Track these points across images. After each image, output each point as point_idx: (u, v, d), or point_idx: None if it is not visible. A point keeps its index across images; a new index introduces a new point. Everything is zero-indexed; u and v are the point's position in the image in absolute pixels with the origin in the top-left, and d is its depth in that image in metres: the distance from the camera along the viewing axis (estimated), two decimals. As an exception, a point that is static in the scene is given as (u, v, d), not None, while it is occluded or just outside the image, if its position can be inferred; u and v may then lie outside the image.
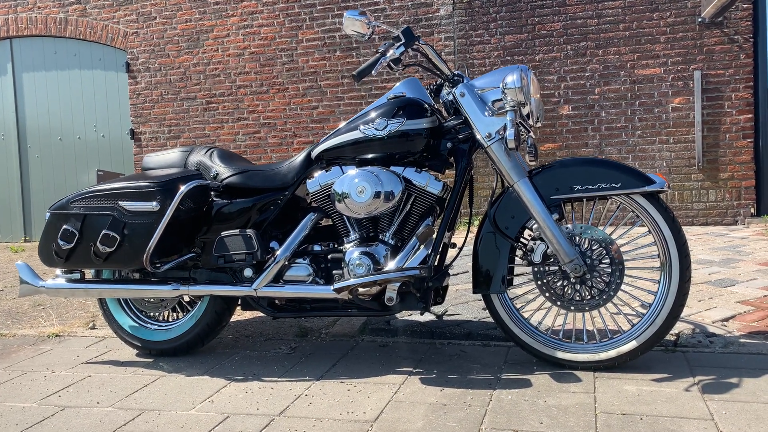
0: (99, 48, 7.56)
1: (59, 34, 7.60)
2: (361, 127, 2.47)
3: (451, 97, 2.47)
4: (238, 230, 2.59)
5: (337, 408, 2.14)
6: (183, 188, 2.55)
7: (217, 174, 2.68)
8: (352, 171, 2.48)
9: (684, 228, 5.79)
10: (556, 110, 6.27)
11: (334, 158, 2.56)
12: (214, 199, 2.68)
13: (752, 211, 5.86)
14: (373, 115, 2.47)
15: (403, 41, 2.39)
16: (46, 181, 7.85)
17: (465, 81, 2.48)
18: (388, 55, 2.38)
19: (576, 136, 6.24)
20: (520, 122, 2.40)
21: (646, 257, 2.43)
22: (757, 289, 3.36)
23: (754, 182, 5.85)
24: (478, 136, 2.39)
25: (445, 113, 2.60)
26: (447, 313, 3.08)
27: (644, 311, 2.37)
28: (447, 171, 2.56)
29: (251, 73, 7.06)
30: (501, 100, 2.36)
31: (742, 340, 2.59)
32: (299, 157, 2.66)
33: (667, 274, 2.29)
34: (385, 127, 2.43)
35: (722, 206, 5.93)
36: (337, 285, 2.42)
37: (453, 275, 3.37)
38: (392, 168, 2.48)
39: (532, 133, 2.51)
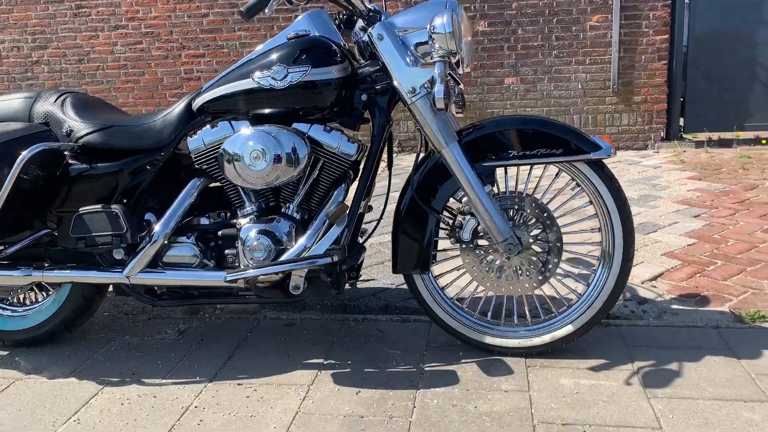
0: (-64, -66, 6.28)
1: None
2: (256, 74, 1.98)
3: (366, 38, 2.01)
4: (100, 206, 2.08)
5: (234, 426, 1.79)
6: (24, 153, 1.99)
7: (71, 130, 2.13)
8: (245, 130, 2.02)
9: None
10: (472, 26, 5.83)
11: (221, 111, 2.08)
12: (70, 162, 2.14)
13: (662, 135, 5.81)
14: (270, 59, 1.99)
15: None
16: None
17: (383, 18, 2.02)
18: None
19: (492, 55, 5.87)
20: (449, 74, 1.99)
21: (586, 231, 2.16)
22: (679, 236, 3.23)
23: (666, 106, 5.77)
24: (400, 91, 1.97)
25: (358, 55, 2.14)
26: (361, 279, 2.74)
27: (581, 291, 2.12)
28: (362, 127, 2.14)
29: (128, -28, 6.11)
30: (427, 44, 1.93)
31: (674, 306, 2.43)
32: (177, 108, 2.14)
33: (608, 252, 2.03)
34: (285, 76, 1.96)
35: (634, 130, 5.84)
36: (230, 276, 2.00)
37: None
38: (295, 126, 2.04)
39: (461, 84, 2.11)
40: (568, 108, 5.86)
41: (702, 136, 5.77)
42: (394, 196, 2.18)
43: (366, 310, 2.53)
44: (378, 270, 2.90)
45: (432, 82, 1.94)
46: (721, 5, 5.64)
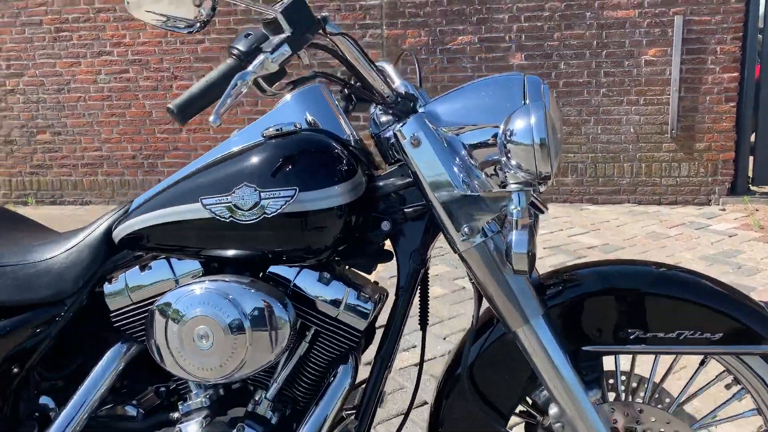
0: None
1: None
2: (209, 199, 1.19)
3: (392, 137, 1.22)
4: None
5: None
6: None
7: None
8: (191, 283, 1.22)
9: (650, 208, 4.85)
10: (506, 58, 5.04)
11: (158, 244, 1.29)
12: None
13: (728, 188, 4.96)
14: (233, 172, 1.20)
15: (288, 34, 1.08)
16: None
17: (420, 105, 1.23)
18: (254, 67, 1.06)
19: (529, 92, 5.06)
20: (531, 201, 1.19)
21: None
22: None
23: (733, 155, 4.93)
24: (447, 231, 1.18)
25: (374, 145, 1.35)
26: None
27: None
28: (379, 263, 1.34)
29: (114, -8, 5.38)
30: (491, 145, 1.15)
31: None
32: (91, 236, 1.35)
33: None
34: (255, 204, 1.18)
35: (695, 182, 5.00)
36: None
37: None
38: (272, 271, 1.26)
39: (546, 210, 1.30)
40: (617, 155, 5.04)
41: (776, 191, 4.93)
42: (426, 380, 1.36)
43: None
44: None
45: (503, 220, 1.14)
46: (801, 39, 4.81)
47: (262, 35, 1.10)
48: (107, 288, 1.32)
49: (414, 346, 2.54)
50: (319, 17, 1.12)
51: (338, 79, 1.20)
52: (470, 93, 1.23)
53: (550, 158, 1.06)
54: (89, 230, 1.36)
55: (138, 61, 5.45)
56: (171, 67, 5.41)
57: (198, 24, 1.07)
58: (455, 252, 1.19)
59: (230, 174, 1.20)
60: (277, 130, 1.22)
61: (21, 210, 5.67)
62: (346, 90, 1.42)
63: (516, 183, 1.09)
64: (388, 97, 1.21)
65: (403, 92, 1.26)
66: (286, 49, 1.06)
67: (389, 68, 1.49)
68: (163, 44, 5.39)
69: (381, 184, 1.29)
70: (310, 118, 1.31)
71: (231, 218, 1.18)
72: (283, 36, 1.06)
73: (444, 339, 2.65)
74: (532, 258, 1.07)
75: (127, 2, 1.04)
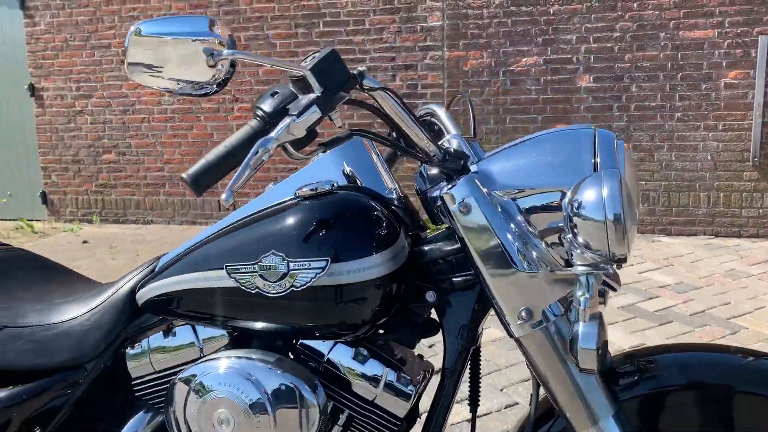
0: (-15, -25, 5.86)
1: (-68, -46, 5.86)
2: (233, 266, 1.08)
3: (439, 198, 1.08)
4: None
5: None
6: None
7: None
8: (214, 357, 1.11)
9: (729, 241, 4.50)
10: (573, 81, 4.82)
11: (182, 310, 1.19)
12: None
13: (817, 221, 4.57)
14: (259, 237, 1.09)
15: (318, 93, 0.95)
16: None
17: (472, 163, 1.09)
18: (277, 133, 0.94)
19: (597, 116, 4.81)
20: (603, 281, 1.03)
21: None
22: None
23: (824, 185, 4.54)
24: (502, 313, 1.03)
25: (423, 204, 1.21)
26: None
27: None
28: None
29: (178, 15, 5.45)
30: (560, 229, 0.99)
31: None
32: (115, 295, 1.26)
33: None
34: (283, 276, 1.05)
35: (780, 214, 4.63)
36: None
37: None
38: (303, 344, 1.13)
39: (618, 286, 1.12)
40: (693, 183, 4.72)
41: None
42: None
43: None
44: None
45: (567, 305, 0.98)
46: None
47: (290, 94, 0.98)
48: (129, 353, 1.24)
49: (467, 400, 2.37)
50: (355, 72, 0.99)
51: (377, 137, 1.07)
52: (530, 149, 1.07)
53: (626, 237, 0.90)
54: (113, 289, 1.27)
55: (200, 83, 5.49)
56: (232, 90, 5.44)
57: (215, 86, 0.96)
58: (510, 336, 1.03)
59: (258, 239, 1.08)
60: (312, 189, 1.10)
61: (86, 228, 5.80)
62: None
63: (584, 265, 0.92)
64: (434, 155, 1.07)
65: (453, 147, 1.12)
66: (314, 112, 0.93)
67: (441, 113, 1.35)
68: (225, 67, 5.42)
69: (426, 248, 1.15)
70: (348, 169, 1.19)
71: (257, 289, 1.06)
72: (312, 96, 0.94)
73: (501, 391, 2.47)
74: (602, 353, 0.91)
75: (128, 66, 0.94)
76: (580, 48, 4.77)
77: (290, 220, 1.07)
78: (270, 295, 1.06)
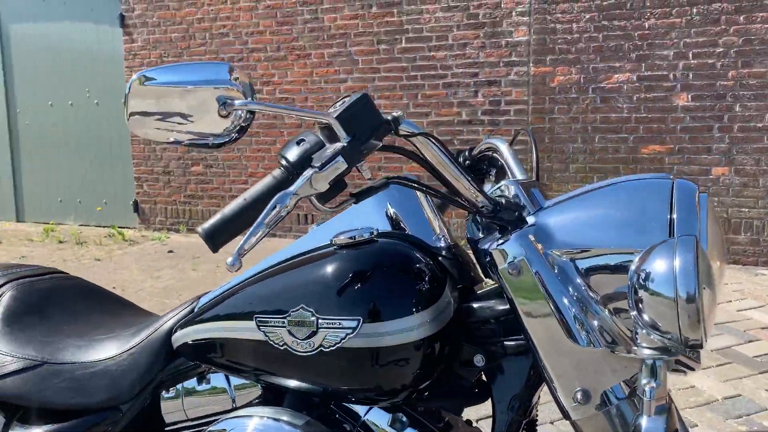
0: (90, -5, 6.20)
1: (46, -23, 6.27)
2: (262, 318, 1.01)
3: (489, 257, 0.96)
4: None
5: None
6: None
7: None
8: (247, 415, 1.04)
9: None
10: (669, 99, 4.51)
11: (215, 358, 1.13)
12: None
13: None
14: (286, 290, 1.02)
15: (344, 143, 0.86)
16: (37, 155, 6.69)
17: (528, 210, 0.96)
18: (297, 187, 0.85)
19: (695, 136, 4.48)
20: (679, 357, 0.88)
21: None
22: None
23: None
24: (557, 395, 0.89)
25: (474, 254, 1.09)
26: None
27: None
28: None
29: (266, 33, 5.55)
30: (620, 272, 0.85)
31: None
32: (153, 336, 1.22)
33: None
34: (312, 334, 0.97)
35: None
36: None
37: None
38: (338, 407, 1.04)
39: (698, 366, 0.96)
40: (804, 212, 4.30)
41: None
42: None
43: None
44: None
45: (633, 385, 0.84)
46: None
47: (317, 142, 0.89)
48: (164, 396, 1.19)
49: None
50: (389, 117, 0.89)
51: (417, 184, 0.96)
52: (597, 200, 0.94)
53: (702, 320, 0.75)
54: (152, 329, 1.23)
55: (285, 99, 5.57)
56: (314, 106, 5.47)
57: (232, 136, 0.88)
58: (565, 418, 0.90)
59: (289, 290, 1.01)
60: (350, 238, 1.01)
61: (173, 237, 5.99)
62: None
63: (650, 348, 0.78)
64: (483, 206, 0.95)
65: (510, 195, 1.00)
66: (339, 163, 0.84)
67: (504, 149, 1.23)
68: (309, 83, 5.46)
69: (476, 306, 1.03)
70: (392, 212, 1.09)
71: (285, 346, 0.98)
72: (338, 146, 0.85)
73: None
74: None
75: (129, 117, 0.88)
76: (677, 64, 4.46)
77: (322, 272, 0.99)
78: (298, 353, 0.97)
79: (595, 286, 0.88)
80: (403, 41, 5.13)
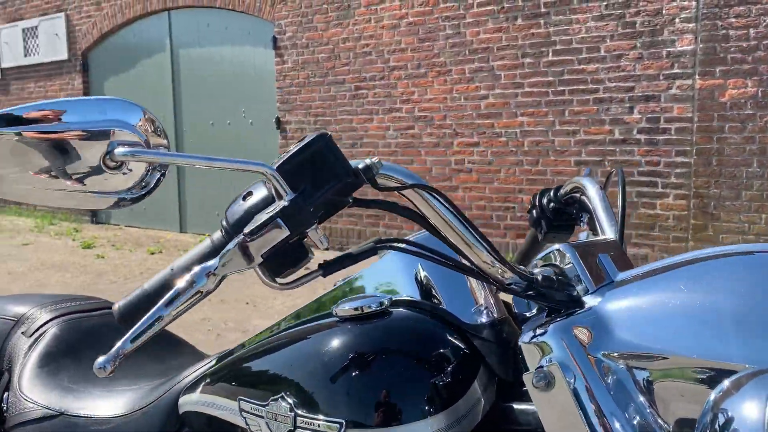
0: (248, 20, 6.51)
1: (210, 3, 6.69)
2: (246, 405, 0.82)
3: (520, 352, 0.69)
4: None
5: None
6: None
7: (5, 409, 1.22)
8: None
9: None
10: None
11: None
12: None
13: None
14: (280, 370, 0.82)
15: (286, 203, 0.65)
16: (199, 172, 7.15)
17: (588, 287, 0.69)
18: (221, 259, 0.64)
19: None
20: None
21: None
22: None
23: None
24: None
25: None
26: None
27: None
28: None
29: (407, 50, 5.45)
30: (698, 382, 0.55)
31: None
32: (166, 396, 1.08)
33: None
34: None
35: None
36: None
37: None
38: None
39: None
40: None
41: None
42: None
43: None
44: None
45: None
46: None
47: (264, 197, 0.68)
48: (169, 467, 1.04)
49: None
50: (360, 166, 0.66)
51: (415, 248, 0.72)
52: (695, 279, 0.64)
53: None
54: (168, 386, 1.09)
55: (423, 117, 5.43)
56: (453, 124, 5.26)
57: (136, 191, 0.68)
58: None
59: (275, 371, 0.81)
60: (356, 309, 0.79)
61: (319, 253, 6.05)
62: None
63: None
64: (511, 283, 0.69)
65: (565, 264, 0.72)
66: (277, 229, 0.63)
67: (593, 192, 0.96)
68: (448, 100, 5.27)
69: (519, 408, 0.77)
70: (423, 274, 0.86)
71: None
72: (278, 205, 0.64)
73: None
74: None
75: None
76: None
77: (308, 352, 0.78)
78: None
79: (664, 412, 0.58)
80: (550, 54, 4.77)
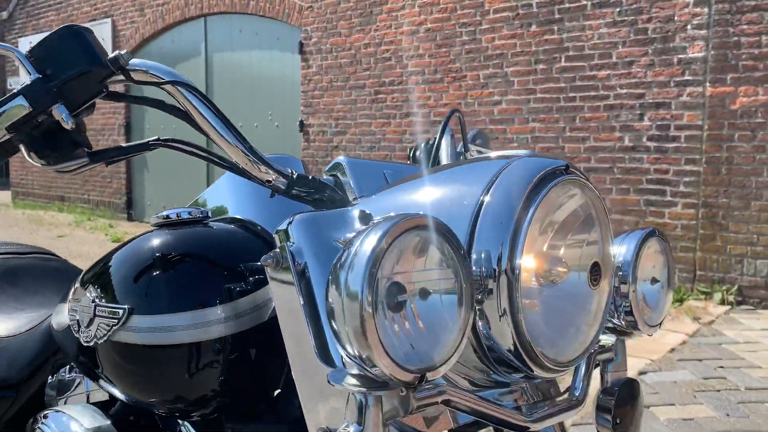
0: (277, 25, 6.71)
1: (243, 10, 6.93)
2: (72, 299, 0.90)
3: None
4: None
5: None
6: None
7: None
8: (58, 411, 0.95)
9: None
10: None
11: None
12: None
13: None
14: (99, 266, 0.89)
15: (29, 81, 0.70)
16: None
17: (356, 196, 0.78)
18: None
19: None
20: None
21: None
22: None
23: None
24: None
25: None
26: None
27: None
28: None
29: (425, 56, 5.52)
30: None
31: None
32: (43, 323, 1.17)
33: None
34: (91, 323, 0.84)
35: None
36: None
37: None
38: (161, 417, 0.90)
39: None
40: None
41: None
42: None
43: None
44: None
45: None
46: None
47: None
48: (48, 382, 1.13)
49: None
50: (112, 56, 0.73)
51: (190, 147, 0.79)
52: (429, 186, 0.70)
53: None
54: (50, 311, 1.18)
55: (438, 122, 5.47)
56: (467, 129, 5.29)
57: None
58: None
59: (93, 273, 0.88)
60: (167, 216, 0.86)
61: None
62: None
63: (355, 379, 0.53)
64: (271, 181, 0.75)
65: (336, 177, 0.78)
66: (19, 105, 0.70)
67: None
68: (463, 105, 5.31)
69: None
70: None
71: (76, 333, 0.86)
72: (23, 83, 0.71)
73: None
74: None
75: None
76: None
77: (118, 251, 0.85)
78: (84, 343, 0.84)
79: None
80: (563, 60, 4.77)
